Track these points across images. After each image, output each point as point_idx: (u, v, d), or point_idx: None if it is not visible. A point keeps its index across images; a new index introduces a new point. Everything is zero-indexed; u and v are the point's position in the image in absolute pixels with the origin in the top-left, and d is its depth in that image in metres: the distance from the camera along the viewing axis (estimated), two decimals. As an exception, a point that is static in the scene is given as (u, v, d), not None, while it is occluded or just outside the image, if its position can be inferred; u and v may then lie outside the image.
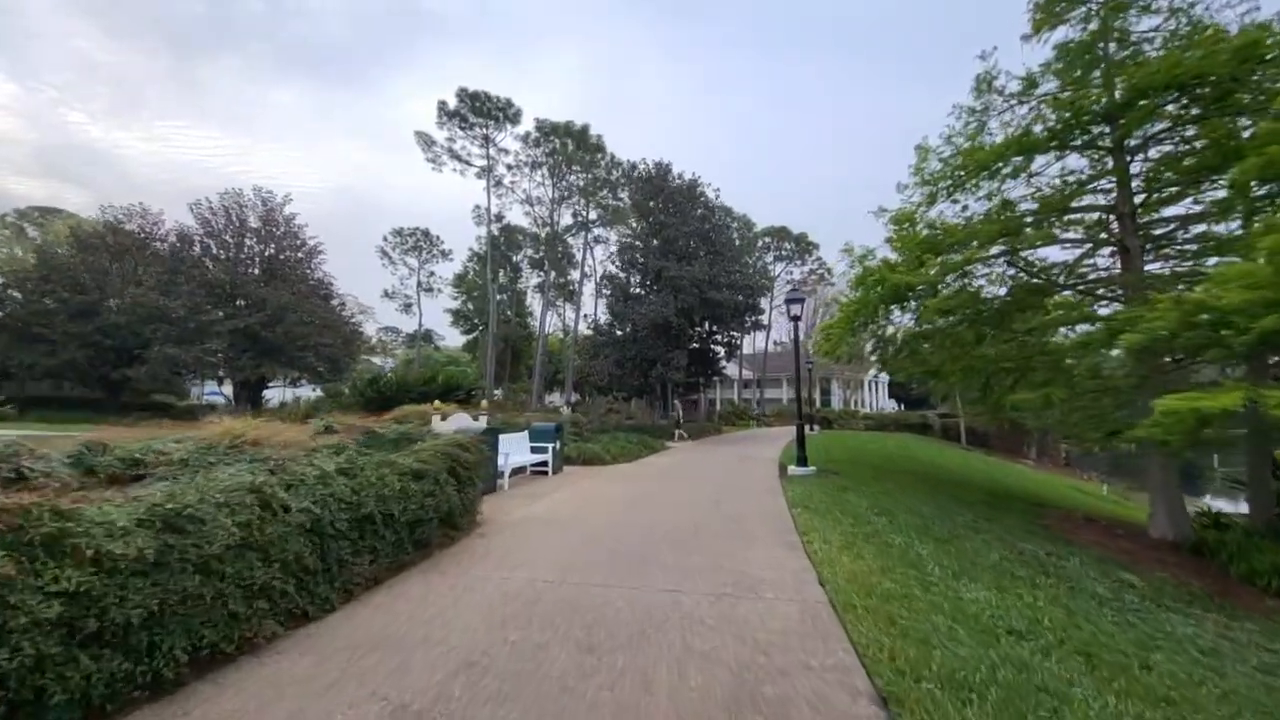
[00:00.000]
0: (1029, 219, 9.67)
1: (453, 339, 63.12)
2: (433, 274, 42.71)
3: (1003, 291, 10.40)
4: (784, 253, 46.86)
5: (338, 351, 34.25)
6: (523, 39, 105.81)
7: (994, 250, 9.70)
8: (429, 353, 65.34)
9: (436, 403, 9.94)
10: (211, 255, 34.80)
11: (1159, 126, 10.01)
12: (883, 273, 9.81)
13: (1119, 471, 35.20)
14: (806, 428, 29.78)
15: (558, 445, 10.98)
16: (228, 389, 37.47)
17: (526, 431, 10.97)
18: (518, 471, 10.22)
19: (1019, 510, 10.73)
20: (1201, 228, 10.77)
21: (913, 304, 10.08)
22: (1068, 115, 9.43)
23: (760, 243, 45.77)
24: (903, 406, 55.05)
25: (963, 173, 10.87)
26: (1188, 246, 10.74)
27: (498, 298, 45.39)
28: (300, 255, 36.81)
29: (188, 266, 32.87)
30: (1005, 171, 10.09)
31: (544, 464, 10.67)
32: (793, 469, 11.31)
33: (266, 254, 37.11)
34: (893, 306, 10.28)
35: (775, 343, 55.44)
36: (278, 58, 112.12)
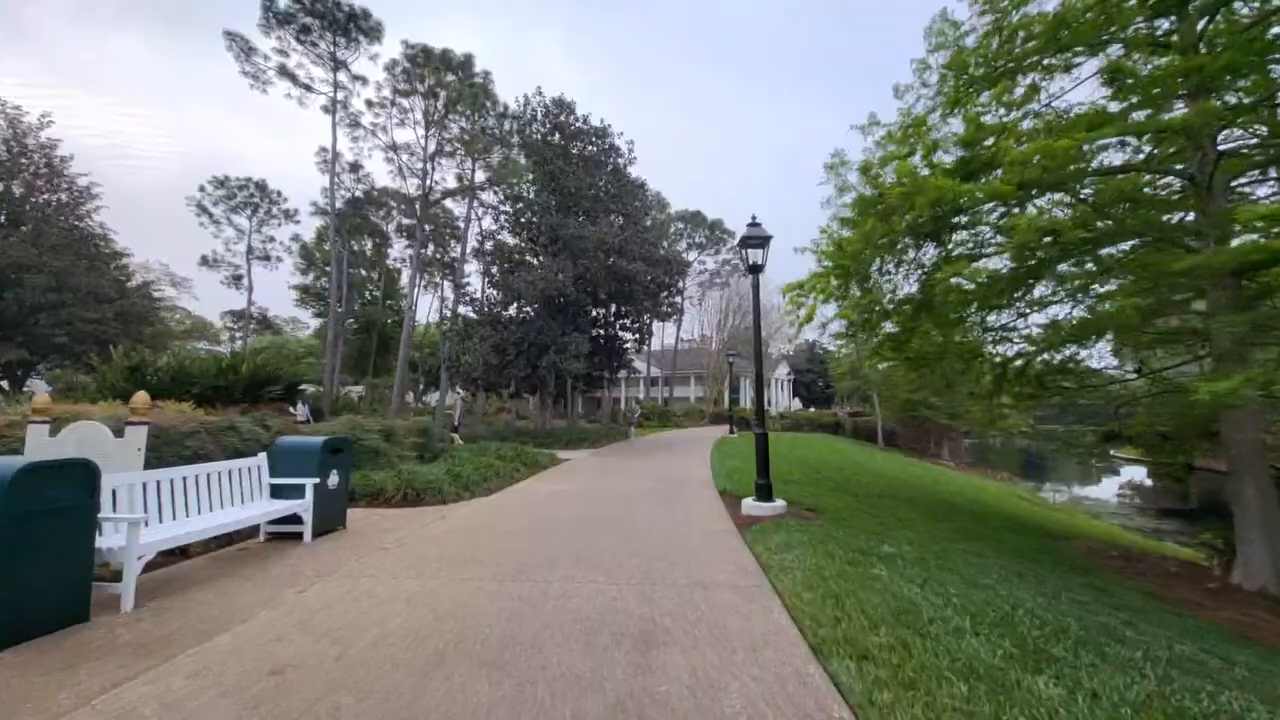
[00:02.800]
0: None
1: (311, 323, 53.12)
2: (271, 239, 33.92)
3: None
4: (696, 240, 43.85)
5: (111, 330, 24.93)
6: (423, 20, 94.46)
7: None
8: (281, 341, 54.72)
9: (39, 398, 4.19)
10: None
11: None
12: (915, 185, 5.77)
13: (994, 465, 36.07)
14: (727, 429, 26.15)
15: (332, 481, 5.74)
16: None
17: (260, 457, 5.59)
18: (188, 552, 4.87)
19: (1074, 557, 7.31)
20: None
21: (957, 235, 6.24)
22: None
23: (673, 228, 42.28)
24: (807, 406, 54.70)
25: (997, 64, 7.19)
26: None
27: (358, 272, 37.48)
28: (62, 198, 26.78)
29: None
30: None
31: (296, 519, 5.39)
32: (750, 504, 7.05)
33: (15, 193, 26.61)
34: (925, 242, 6.37)
35: (683, 340, 52.35)
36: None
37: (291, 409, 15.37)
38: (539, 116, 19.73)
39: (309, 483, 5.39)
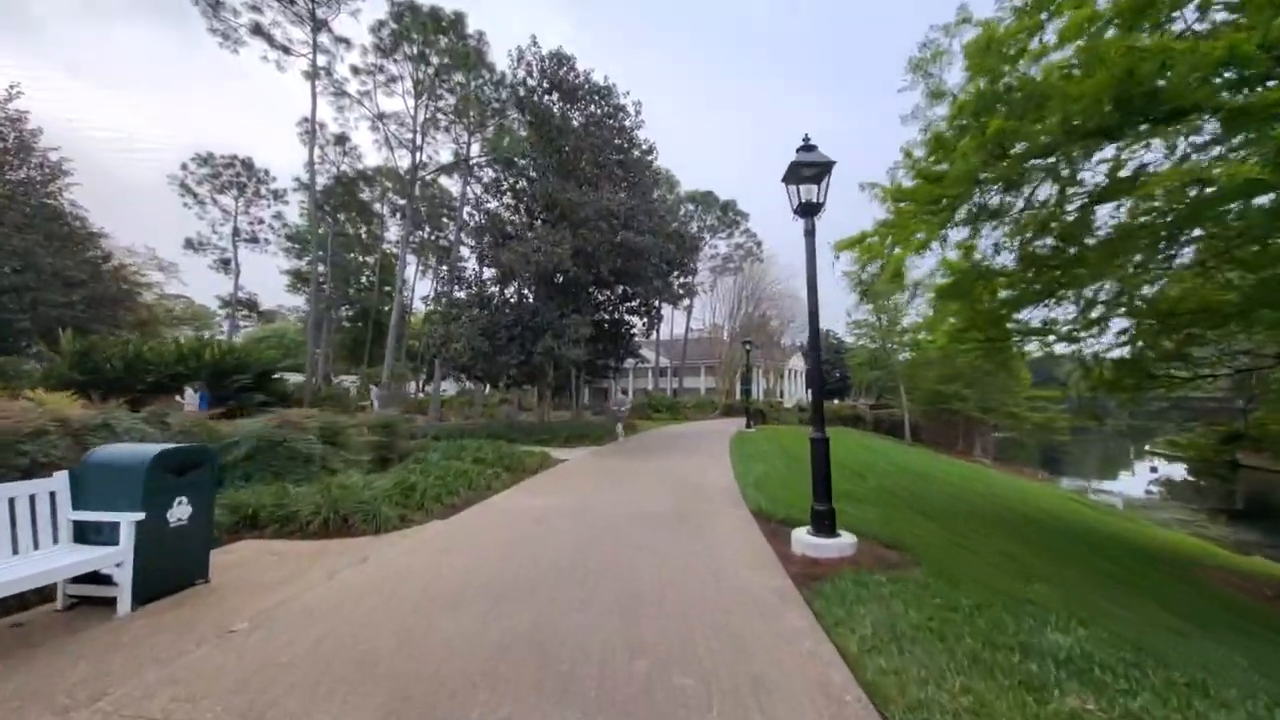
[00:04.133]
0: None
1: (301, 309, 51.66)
2: (260, 220, 32.07)
3: None
4: (708, 223, 41.46)
5: (81, 316, 23.22)
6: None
7: None
8: (283, 329, 53.26)
9: None
10: None
11: None
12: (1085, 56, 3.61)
13: (1022, 461, 33.69)
14: (743, 423, 23.94)
15: (178, 514, 3.75)
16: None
17: (58, 478, 3.60)
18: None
19: (1237, 600, 5.20)
20: None
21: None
22: None
23: (683, 209, 39.93)
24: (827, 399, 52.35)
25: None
26: None
27: (354, 257, 35.66)
28: (32, 174, 25.10)
29: None
30: None
31: (104, 578, 3.42)
32: (805, 538, 5.00)
33: (-19, 170, 24.93)
34: (1092, 146, 4.21)
35: (693, 329, 49.95)
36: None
37: (179, 397, 13.30)
38: (534, 72, 17.54)
39: (126, 520, 3.41)
